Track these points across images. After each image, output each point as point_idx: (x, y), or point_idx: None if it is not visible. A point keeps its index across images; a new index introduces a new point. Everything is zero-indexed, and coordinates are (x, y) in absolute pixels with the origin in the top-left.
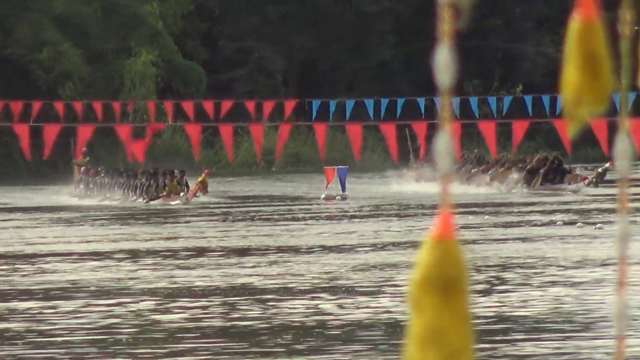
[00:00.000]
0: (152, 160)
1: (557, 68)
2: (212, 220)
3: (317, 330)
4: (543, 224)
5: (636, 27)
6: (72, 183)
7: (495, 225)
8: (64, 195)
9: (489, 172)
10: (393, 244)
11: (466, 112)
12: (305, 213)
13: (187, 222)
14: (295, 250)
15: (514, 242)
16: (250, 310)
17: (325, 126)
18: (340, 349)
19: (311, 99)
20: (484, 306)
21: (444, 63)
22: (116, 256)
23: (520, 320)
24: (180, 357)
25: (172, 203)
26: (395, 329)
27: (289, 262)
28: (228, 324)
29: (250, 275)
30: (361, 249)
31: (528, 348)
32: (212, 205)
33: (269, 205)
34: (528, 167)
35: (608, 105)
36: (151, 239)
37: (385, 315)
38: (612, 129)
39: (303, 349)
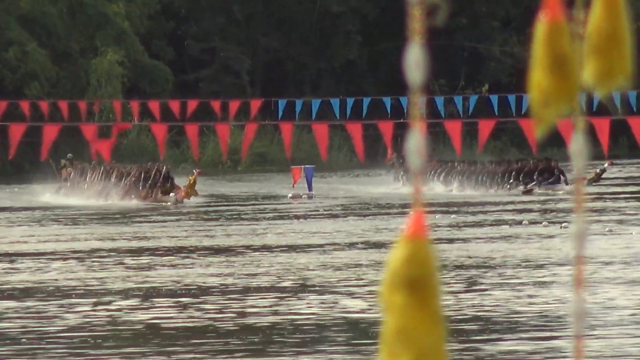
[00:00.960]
0: (118, 159)
1: (524, 68)
2: (179, 220)
3: (280, 329)
4: (510, 224)
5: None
6: (46, 182)
7: (466, 225)
8: (47, 194)
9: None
10: (360, 243)
11: (432, 111)
12: (272, 212)
13: (153, 221)
14: (263, 248)
15: (481, 242)
16: (221, 309)
17: (291, 125)
18: (306, 349)
19: (277, 99)
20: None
21: (415, 61)
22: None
23: (482, 319)
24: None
25: (165, 204)
26: (357, 328)
27: (255, 260)
28: (191, 324)
29: (218, 275)
30: (327, 247)
31: (495, 348)
32: (178, 204)
33: (235, 205)
34: (525, 169)
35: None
36: (114, 239)
37: (347, 315)
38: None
39: (266, 348)
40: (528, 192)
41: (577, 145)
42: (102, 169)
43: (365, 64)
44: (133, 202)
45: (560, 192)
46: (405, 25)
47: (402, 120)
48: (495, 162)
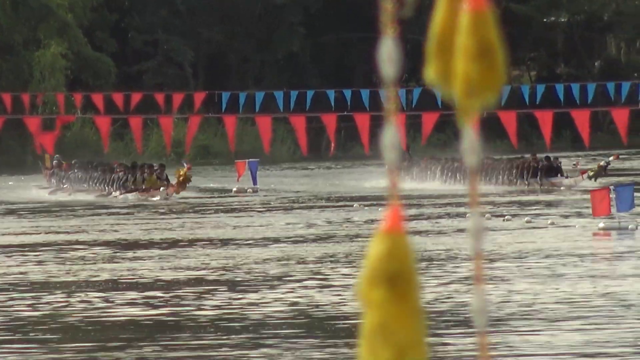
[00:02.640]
0: (61, 152)
1: None
2: (124, 214)
3: (227, 323)
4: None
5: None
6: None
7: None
8: (33, 189)
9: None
10: (308, 235)
11: (376, 104)
12: (217, 206)
13: (96, 215)
14: (208, 242)
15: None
16: (177, 302)
17: (235, 118)
18: (257, 342)
19: (221, 91)
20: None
21: (388, 55)
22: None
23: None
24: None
25: (153, 199)
26: (306, 321)
27: (202, 254)
28: (138, 317)
29: (163, 269)
30: (273, 241)
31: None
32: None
33: (181, 198)
34: (526, 165)
35: (517, 97)
36: (49, 232)
37: (296, 308)
38: (522, 121)
39: (214, 343)
40: (531, 186)
41: (468, 142)
42: (89, 166)
43: (309, 56)
44: (121, 197)
45: (562, 187)
46: (347, 17)
47: (345, 113)
48: (494, 159)
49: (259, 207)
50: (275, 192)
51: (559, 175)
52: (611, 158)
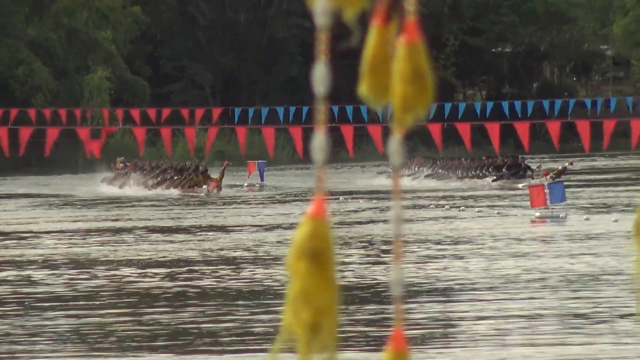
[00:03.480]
0: (106, 156)
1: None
2: (156, 205)
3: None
4: (420, 207)
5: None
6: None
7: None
8: (102, 186)
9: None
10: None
11: (358, 116)
12: (231, 198)
13: (132, 206)
14: (220, 228)
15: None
16: (190, 275)
17: (245, 129)
18: (230, 309)
19: (234, 107)
20: (356, 275)
21: (320, 77)
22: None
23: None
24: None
25: (201, 194)
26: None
27: (217, 238)
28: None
29: (191, 249)
30: (276, 227)
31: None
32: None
33: (199, 193)
34: (497, 164)
35: (471, 112)
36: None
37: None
38: (475, 130)
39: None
40: (497, 180)
41: (393, 146)
42: (148, 166)
43: (305, 79)
44: (172, 192)
45: (521, 185)
46: (335, 48)
47: (333, 125)
48: (470, 159)
49: (266, 200)
50: (277, 188)
51: (526, 174)
52: (566, 164)
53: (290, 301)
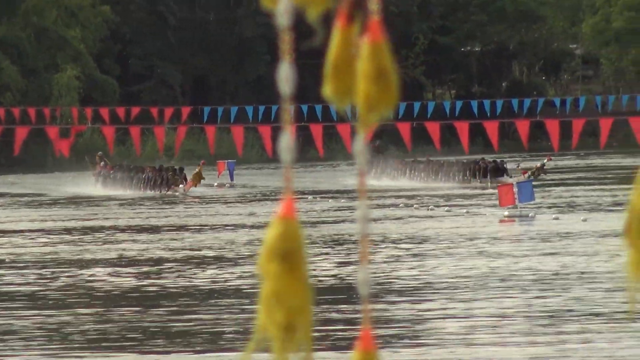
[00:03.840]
0: (75, 155)
1: (399, 80)
2: (125, 205)
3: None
4: (385, 206)
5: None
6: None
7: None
8: (85, 186)
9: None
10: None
11: (327, 115)
12: (201, 198)
13: (102, 205)
14: (188, 228)
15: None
16: (162, 275)
17: (214, 128)
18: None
19: (203, 106)
20: (326, 273)
21: (284, 77)
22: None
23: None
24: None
25: (177, 194)
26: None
27: (186, 238)
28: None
29: (159, 249)
30: (237, 227)
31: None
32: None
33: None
34: (477, 167)
35: (440, 111)
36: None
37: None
38: (444, 129)
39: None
40: (482, 184)
41: (358, 146)
42: (125, 167)
43: (273, 78)
44: (150, 192)
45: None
46: (302, 48)
47: (302, 124)
48: (454, 162)
49: (236, 199)
50: (247, 187)
51: (504, 175)
52: (545, 160)
53: (264, 302)
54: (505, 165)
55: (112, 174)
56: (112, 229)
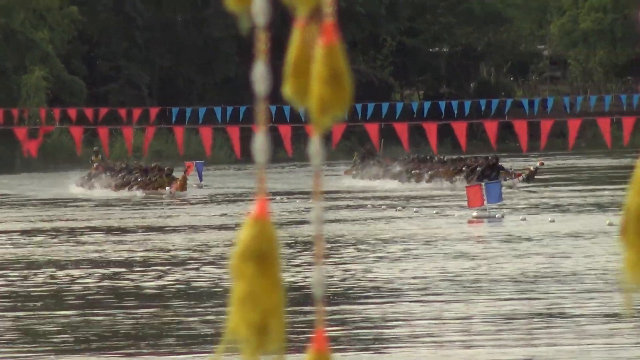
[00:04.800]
0: (44, 155)
1: (367, 82)
2: (100, 206)
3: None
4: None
5: None
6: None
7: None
8: (74, 187)
9: (431, 170)
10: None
11: (295, 116)
12: (169, 198)
13: (77, 206)
14: (159, 229)
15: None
16: (131, 277)
17: (183, 128)
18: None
19: (171, 107)
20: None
21: (260, 76)
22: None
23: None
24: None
25: (164, 195)
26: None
27: (158, 239)
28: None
29: (131, 250)
30: (206, 229)
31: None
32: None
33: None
34: (471, 166)
35: (409, 111)
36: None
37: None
38: (413, 130)
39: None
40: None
41: (314, 147)
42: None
43: (242, 79)
44: (136, 193)
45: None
46: (272, 48)
47: (271, 124)
48: (447, 161)
49: (205, 200)
50: (216, 188)
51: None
52: (538, 164)
53: (236, 303)
54: (501, 167)
55: (104, 174)
56: (87, 229)
